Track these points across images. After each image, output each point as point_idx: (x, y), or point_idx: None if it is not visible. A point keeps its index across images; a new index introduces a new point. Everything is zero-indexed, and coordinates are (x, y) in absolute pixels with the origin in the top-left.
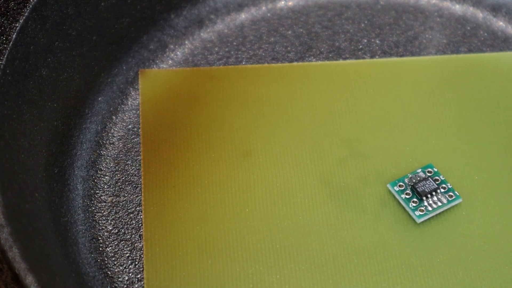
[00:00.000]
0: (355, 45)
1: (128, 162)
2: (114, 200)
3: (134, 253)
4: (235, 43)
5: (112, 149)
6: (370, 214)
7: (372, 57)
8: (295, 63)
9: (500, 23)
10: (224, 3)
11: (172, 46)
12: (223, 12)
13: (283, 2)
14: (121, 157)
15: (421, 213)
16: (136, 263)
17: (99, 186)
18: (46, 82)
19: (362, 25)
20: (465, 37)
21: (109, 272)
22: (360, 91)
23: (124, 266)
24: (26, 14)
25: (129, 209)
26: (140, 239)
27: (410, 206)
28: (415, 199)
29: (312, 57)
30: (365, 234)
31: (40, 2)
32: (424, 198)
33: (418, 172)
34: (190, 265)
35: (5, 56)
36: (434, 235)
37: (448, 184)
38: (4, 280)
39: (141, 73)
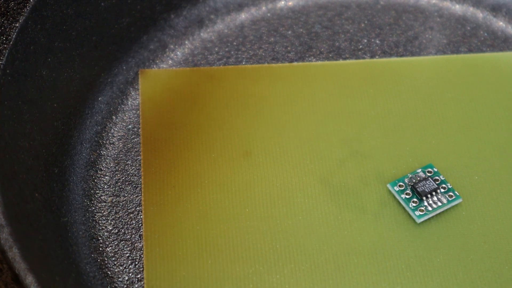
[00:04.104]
0: (355, 45)
1: (128, 162)
2: (114, 200)
3: (134, 253)
4: (235, 43)
5: (112, 149)
6: (370, 214)
7: (372, 57)
8: (295, 63)
9: (500, 23)
10: (224, 3)
11: (172, 46)
12: (223, 12)
13: (283, 2)
14: (121, 157)
15: (421, 213)
16: (136, 263)
17: (99, 186)
18: (46, 82)
19: (362, 25)
20: (465, 37)
21: (109, 272)
22: (360, 91)
23: (124, 266)
24: (26, 14)
25: (129, 209)
26: (140, 239)
27: (410, 206)
28: (415, 199)
29: (312, 57)
30: (365, 234)
31: (40, 2)
32: (424, 198)
33: (418, 172)
34: (190, 265)
35: (5, 56)
36: (434, 235)
37: (448, 184)
38: (4, 280)
39: (141, 73)
